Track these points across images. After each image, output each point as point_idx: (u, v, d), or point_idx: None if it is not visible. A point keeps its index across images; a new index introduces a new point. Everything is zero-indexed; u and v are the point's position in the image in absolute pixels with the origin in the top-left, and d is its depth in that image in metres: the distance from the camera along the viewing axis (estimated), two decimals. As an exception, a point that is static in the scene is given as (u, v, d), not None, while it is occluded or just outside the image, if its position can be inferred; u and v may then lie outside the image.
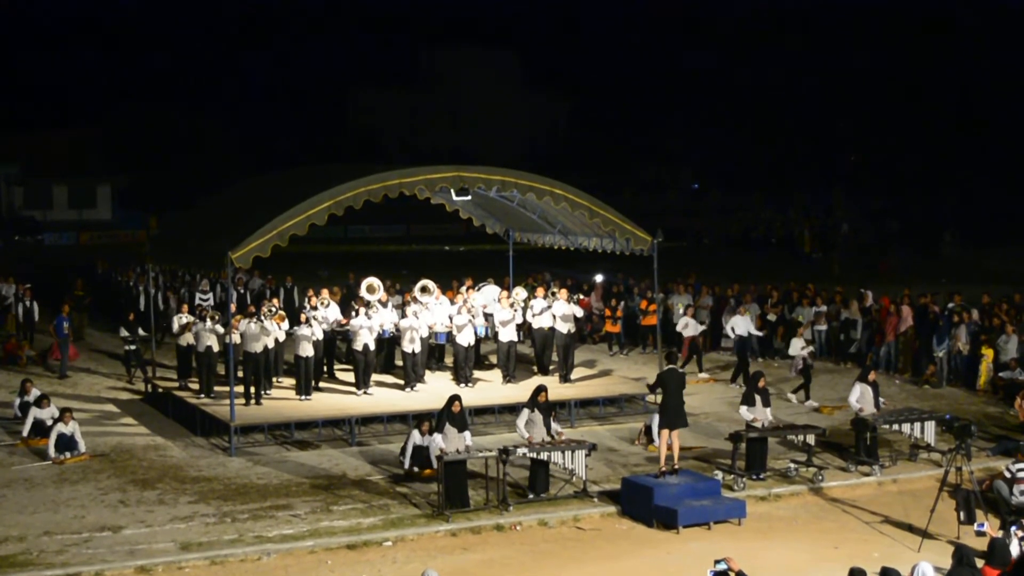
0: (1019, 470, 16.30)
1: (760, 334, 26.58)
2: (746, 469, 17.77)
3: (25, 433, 19.95)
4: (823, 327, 27.39)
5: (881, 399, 19.27)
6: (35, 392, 20.78)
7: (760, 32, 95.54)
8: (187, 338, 22.90)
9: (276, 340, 22.19)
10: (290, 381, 22.67)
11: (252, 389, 21.35)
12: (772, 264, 50.17)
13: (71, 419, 19.15)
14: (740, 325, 25.04)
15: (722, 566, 10.92)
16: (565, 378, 23.39)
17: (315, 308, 22.98)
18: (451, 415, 16.87)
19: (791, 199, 78.88)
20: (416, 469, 17.68)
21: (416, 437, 17.84)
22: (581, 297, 27.37)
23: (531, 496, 16.80)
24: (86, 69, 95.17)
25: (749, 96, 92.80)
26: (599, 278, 32.59)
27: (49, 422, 19.76)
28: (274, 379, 22.70)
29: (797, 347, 23.73)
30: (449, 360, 24.93)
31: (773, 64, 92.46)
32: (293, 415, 20.62)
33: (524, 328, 25.29)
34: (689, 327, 26.02)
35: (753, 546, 14.91)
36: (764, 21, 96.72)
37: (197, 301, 28.44)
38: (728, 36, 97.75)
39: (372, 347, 22.31)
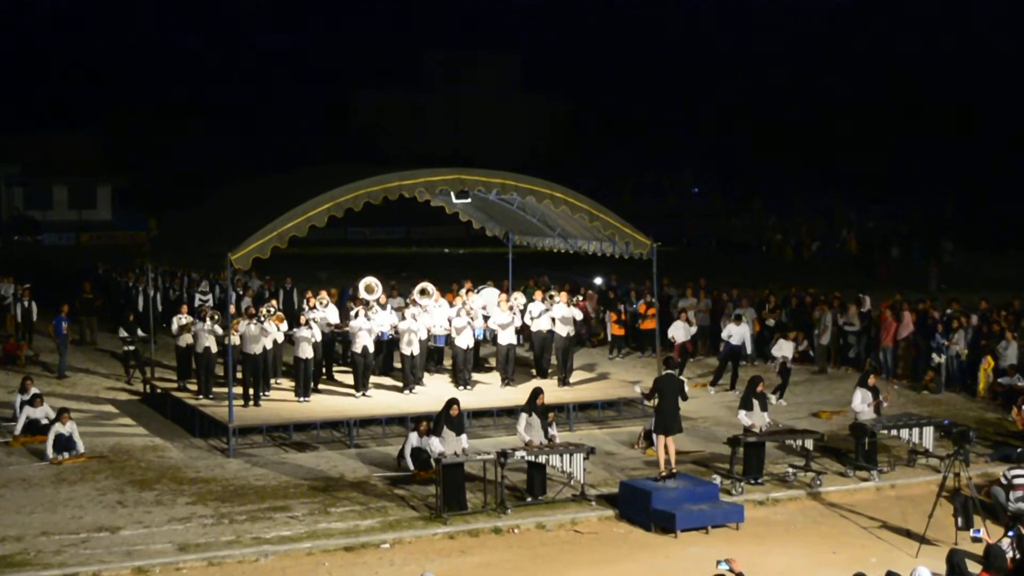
0: (1015, 476, 16.32)
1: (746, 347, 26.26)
2: (744, 473, 17.77)
3: (17, 431, 19.97)
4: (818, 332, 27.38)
5: (882, 402, 19.25)
6: (33, 391, 20.78)
7: (759, 33, 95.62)
8: (186, 339, 22.90)
9: (275, 341, 22.19)
10: (289, 383, 22.67)
11: (251, 390, 21.36)
12: (770, 268, 50.30)
13: (69, 419, 19.12)
14: (736, 334, 25.13)
15: (724, 566, 10.92)
16: (564, 381, 23.40)
17: (314, 309, 22.99)
18: (449, 419, 16.87)
19: (791, 203, 79.01)
20: (415, 471, 17.68)
21: (414, 440, 17.84)
22: (579, 299, 27.40)
23: (529, 499, 16.81)
24: (87, 69, 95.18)
25: (750, 99, 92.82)
26: (598, 281, 32.59)
27: (44, 421, 19.81)
28: (272, 381, 22.69)
29: (786, 349, 23.75)
30: (448, 363, 24.94)
31: (773, 66, 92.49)
32: (291, 417, 20.62)
33: (523, 331, 25.30)
34: (680, 332, 26.08)
35: (751, 550, 14.90)
36: (763, 22, 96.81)
37: (197, 302, 28.47)
38: (726, 38, 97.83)
39: (371, 349, 22.32)
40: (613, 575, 14.50)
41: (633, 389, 19.15)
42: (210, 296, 29.95)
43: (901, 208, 73.21)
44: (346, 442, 20.03)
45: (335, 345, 24.38)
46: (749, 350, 26.37)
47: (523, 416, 17.35)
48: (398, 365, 23.66)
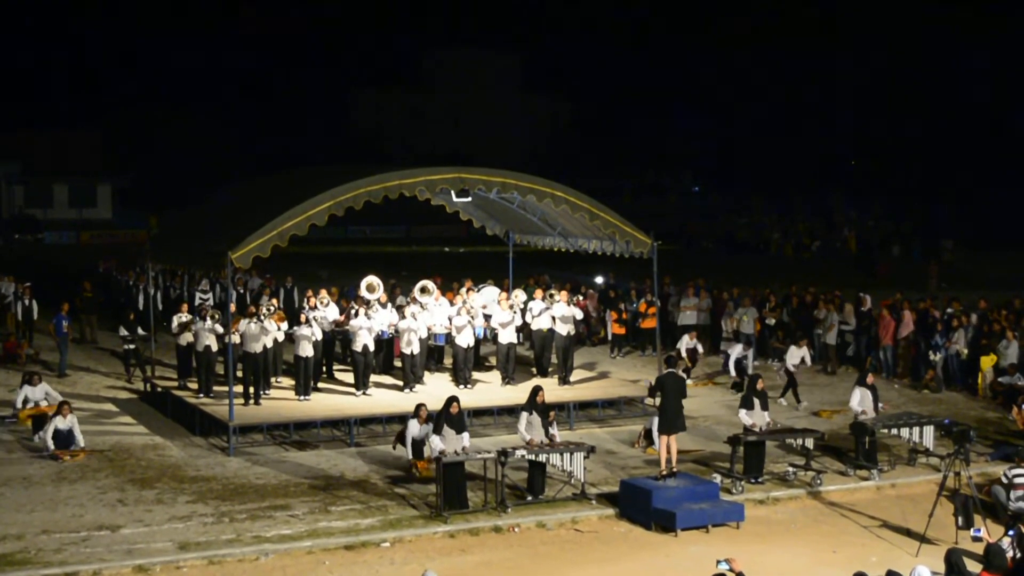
0: (1016, 476, 16.31)
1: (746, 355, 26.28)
2: (744, 472, 17.77)
3: (18, 405, 20.07)
4: (821, 331, 27.40)
5: (880, 403, 19.28)
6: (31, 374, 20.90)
7: (759, 35, 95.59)
8: (187, 337, 22.91)
9: (275, 340, 22.19)
10: (289, 381, 22.68)
11: (251, 389, 21.37)
12: (771, 268, 50.32)
13: (69, 412, 19.12)
14: (736, 351, 25.48)
15: (724, 566, 10.92)
16: (564, 380, 23.39)
17: (315, 308, 23.00)
18: (449, 416, 16.88)
19: (791, 202, 79.08)
20: (412, 460, 17.71)
21: (414, 429, 17.81)
22: (579, 298, 27.39)
23: (529, 498, 16.81)
24: (87, 67, 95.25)
25: (749, 100, 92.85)
26: (598, 280, 32.60)
27: (44, 402, 19.88)
28: (273, 379, 22.70)
29: (797, 356, 23.59)
30: (448, 361, 24.93)
31: (772, 67, 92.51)
32: (292, 415, 20.62)
33: (523, 330, 25.29)
34: (684, 343, 26.15)
35: (751, 549, 14.90)
36: (762, 24, 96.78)
37: (197, 300, 28.47)
38: (729, 38, 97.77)
39: (371, 348, 22.33)
40: (613, 574, 14.50)
41: (643, 384, 19.22)
42: (210, 295, 29.95)
43: (901, 207, 73.27)
44: (346, 441, 20.03)
45: (335, 344, 24.40)
46: (751, 361, 26.24)
47: (524, 415, 17.35)
48: (399, 364, 23.66)
